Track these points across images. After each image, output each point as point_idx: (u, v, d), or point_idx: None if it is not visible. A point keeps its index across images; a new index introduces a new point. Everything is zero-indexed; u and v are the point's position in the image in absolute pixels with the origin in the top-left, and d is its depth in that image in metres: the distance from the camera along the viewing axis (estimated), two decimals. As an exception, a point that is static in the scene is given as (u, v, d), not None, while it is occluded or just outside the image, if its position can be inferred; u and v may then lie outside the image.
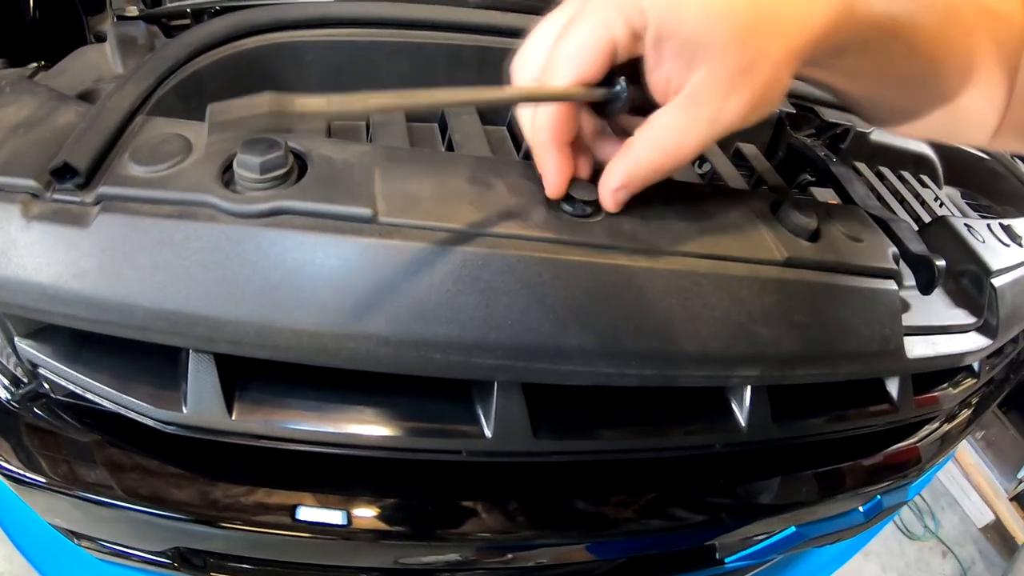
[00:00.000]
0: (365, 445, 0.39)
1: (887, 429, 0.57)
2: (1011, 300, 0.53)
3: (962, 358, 0.50)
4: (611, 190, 0.35)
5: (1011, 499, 1.89)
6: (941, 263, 0.45)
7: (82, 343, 0.39)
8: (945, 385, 0.61)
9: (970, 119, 0.39)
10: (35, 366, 0.41)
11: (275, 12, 0.48)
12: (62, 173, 0.32)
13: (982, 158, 0.80)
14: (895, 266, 0.42)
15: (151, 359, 0.38)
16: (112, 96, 0.37)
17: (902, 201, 0.64)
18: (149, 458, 0.42)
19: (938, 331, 0.49)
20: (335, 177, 0.34)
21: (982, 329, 0.52)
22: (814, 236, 0.41)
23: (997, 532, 1.92)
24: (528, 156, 0.37)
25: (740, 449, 0.48)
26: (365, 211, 0.33)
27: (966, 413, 0.69)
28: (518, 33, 0.35)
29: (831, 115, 0.64)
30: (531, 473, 0.46)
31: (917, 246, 0.46)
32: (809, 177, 0.63)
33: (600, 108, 0.35)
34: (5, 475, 0.44)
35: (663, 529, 0.48)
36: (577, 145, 0.36)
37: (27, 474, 0.43)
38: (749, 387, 0.44)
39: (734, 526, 0.52)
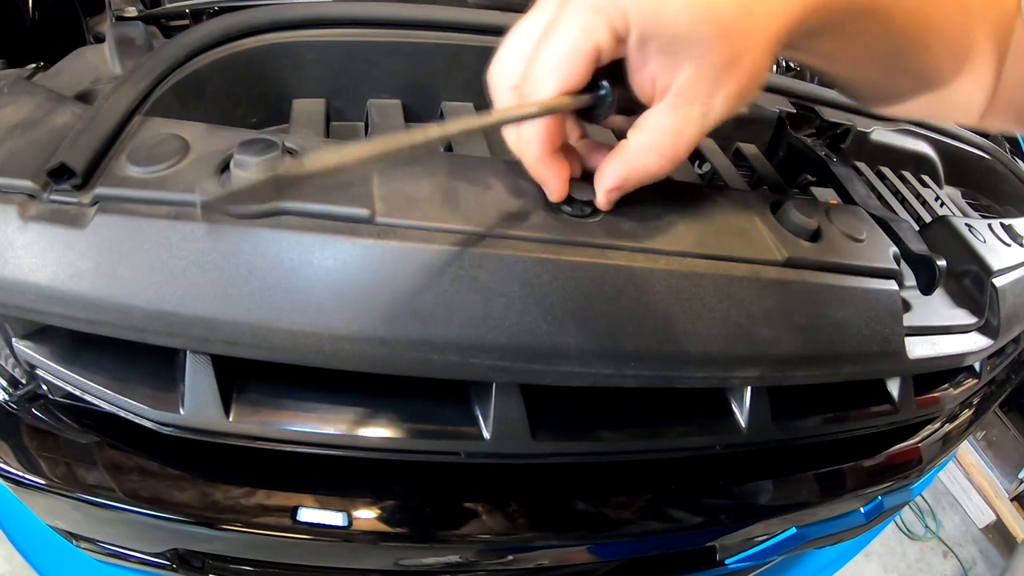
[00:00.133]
0: (363, 447, 0.39)
1: (888, 430, 0.57)
2: (1012, 300, 0.53)
3: (963, 358, 0.50)
4: (605, 190, 0.35)
5: (1012, 499, 1.89)
6: (942, 263, 0.45)
7: (80, 344, 0.39)
8: (946, 385, 0.60)
9: (958, 99, 0.39)
10: (33, 367, 0.41)
11: (273, 12, 0.48)
12: (59, 174, 0.32)
13: (983, 158, 0.80)
14: (896, 266, 0.42)
15: (148, 360, 0.38)
16: (110, 97, 0.37)
17: (903, 201, 0.64)
18: (147, 460, 0.42)
19: (939, 331, 0.49)
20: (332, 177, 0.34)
21: (983, 329, 0.52)
22: (814, 236, 0.41)
23: (998, 532, 1.92)
24: None
25: (740, 450, 0.48)
26: (362, 212, 0.33)
27: (967, 413, 0.69)
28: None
29: (832, 115, 0.64)
30: (530, 475, 0.46)
31: (918, 246, 0.46)
32: (809, 177, 0.63)
33: (585, 113, 0.34)
34: (3, 476, 0.44)
35: (663, 530, 0.48)
36: (564, 147, 0.36)
37: (25, 475, 0.43)
38: (749, 388, 0.44)
39: (735, 527, 0.52)
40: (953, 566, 1.85)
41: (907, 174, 0.69)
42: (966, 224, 0.55)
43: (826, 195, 0.62)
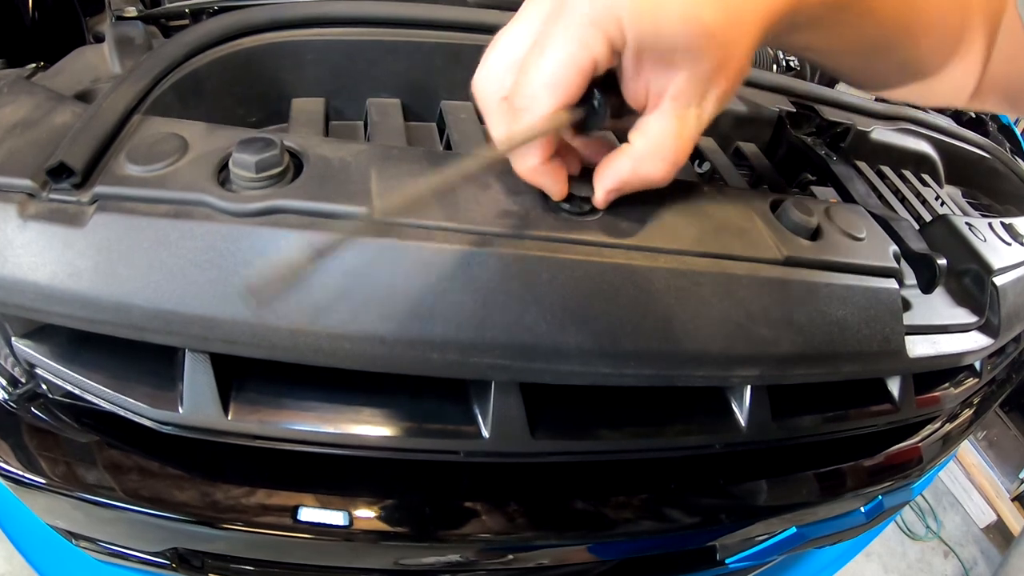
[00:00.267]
0: (362, 445, 0.39)
1: (888, 429, 0.57)
2: (1013, 299, 0.53)
3: (963, 357, 0.50)
4: (605, 190, 0.35)
5: (1013, 499, 1.89)
6: (942, 262, 0.45)
7: (79, 343, 0.39)
8: (947, 385, 0.60)
9: (945, 85, 0.40)
10: (32, 366, 0.41)
11: (272, 11, 0.48)
12: (58, 173, 0.32)
13: (983, 157, 0.79)
14: (896, 265, 0.42)
15: (148, 359, 0.38)
16: (109, 96, 0.37)
17: (903, 200, 0.64)
18: (147, 459, 0.42)
19: (939, 330, 0.49)
20: (331, 176, 0.34)
21: (983, 328, 0.52)
22: (814, 235, 0.41)
23: (999, 532, 1.91)
24: None
25: (740, 449, 0.48)
26: (361, 210, 0.33)
27: (968, 413, 0.69)
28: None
29: (832, 114, 0.64)
30: (530, 474, 0.46)
31: (918, 244, 0.46)
32: (809, 176, 0.63)
33: (578, 125, 0.34)
34: (4, 476, 0.44)
35: (663, 530, 0.48)
36: (559, 148, 0.36)
37: (25, 474, 0.43)
38: (749, 387, 0.44)
39: (735, 527, 0.52)
40: (954, 566, 1.85)
41: (907, 173, 0.69)
42: (966, 223, 0.55)
43: (826, 194, 0.62)
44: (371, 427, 0.38)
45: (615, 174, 0.34)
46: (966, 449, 1.96)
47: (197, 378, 0.36)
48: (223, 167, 0.34)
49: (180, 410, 0.37)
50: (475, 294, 0.33)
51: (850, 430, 0.53)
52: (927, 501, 1.95)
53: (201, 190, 0.32)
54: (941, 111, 0.89)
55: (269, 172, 0.33)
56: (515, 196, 0.36)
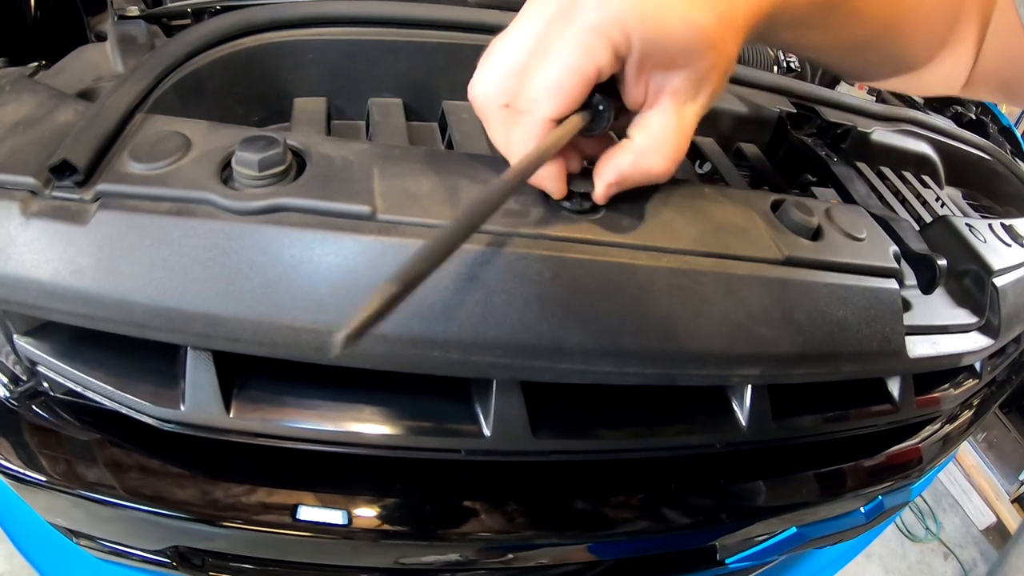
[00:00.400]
0: (364, 444, 0.39)
1: (888, 429, 0.57)
2: (1013, 300, 0.53)
3: (963, 358, 0.50)
4: (606, 184, 0.35)
5: (1013, 501, 1.89)
6: (942, 262, 0.45)
7: (81, 340, 0.39)
8: (946, 385, 0.60)
9: (935, 77, 0.42)
10: (34, 363, 0.41)
11: (274, 11, 0.48)
12: (61, 170, 0.32)
13: (983, 159, 0.80)
14: (896, 265, 0.42)
15: (150, 357, 0.38)
16: (111, 94, 0.37)
17: (903, 201, 0.64)
18: (148, 456, 0.42)
19: (939, 331, 0.49)
20: (334, 174, 0.34)
21: (984, 329, 0.52)
22: (815, 235, 0.41)
23: (999, 534, 1.91)
24: None
25: (741, 449, 0.48)
26: (364, 208, 0.33)
27: (967, 414, 0.69)
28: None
29: (832, 115, 0.64)
30: (531, 472, 0.46)
31: (918, 245, 0.46)
32: (810, 177, 0.63)
33: (583, 128, 0.34)
34: (4, 473, 0.44)
35: (663, 529, 0.48)
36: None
37: (26, 472, 0.43)
38: (749, 386, 0.44)
39: (735, 527, 0.52)
40: (954, 568, 1.85)
41: (908, 174, 0.69)
42: (966, 224, 0.55)
43: (827, 195, 0.62)
44: (373, 425, 0.38)
45: (616, 168, 0.34)
46: (966, 450, 1.96)
47: (199, 376, 0.36)
48: (226, 165, 0.34)
49: (182, 408, 0.37)
50: (477, 293, 0.33)
51: (850, 430, 0.53)
52: (927, 502, 1.95)
53: (204, 188, 0.32)
54: (941, 112, 0.89)
55: (272, 170, 0.33)
56: (516, 195, 0.36)
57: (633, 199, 0.37)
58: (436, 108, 0.54)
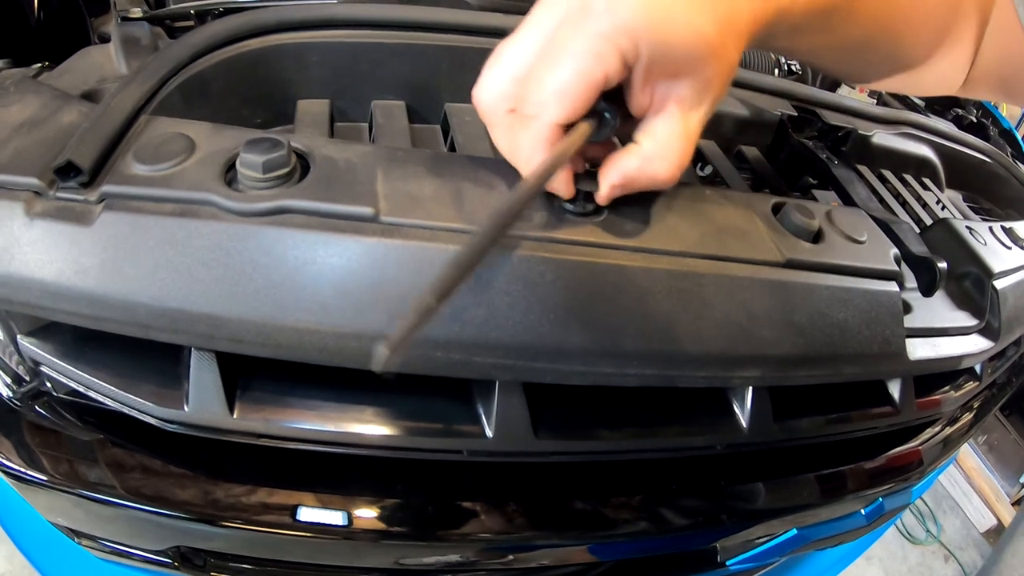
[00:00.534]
0: (366, 444, 0.39)
1: (889, 431, 0.57)
2: (1013, 303, 0.53)
3: (964, 360, 0.50)
4: (610, 185, 0.35)
5: (1013, 503, 1.89)
6: (943, 265, 0.45)
7: (84, 341, 0.39)
8: (947, 388, 0.60)
9: (933, 76, 0.42)
10: (37, 364, 0.41)
11: (278, 13, 0.48)
12: (66, 171, 0.32)
13: (984, 161, 0.80)
14: (897, 268, 0.42)
15: (153, 357, 0.38)
16: (116, 96, 0.37)
17: (904, 203, 0.64)
18: (151, 457, 0.42)
19: (940, 333, 0.49)
20: (337, 177, 0.34)
21: (984, 331, 0.52)
22: (815, 238, 0.41)
23: (999, 536, 1.91)
24: None
25: (741, 450, 0.48)
26: (367, 210, 0.33)
27: (968, 416, 0.69)
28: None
29: (833, 118, 0.64)
30: (532, 473, 0.46)
31: (919, 248, 0.46)
32: (811, 179, 0.63)
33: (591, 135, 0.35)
34: (6, 473, 0.44)
35: (664, 531, 0.48)
36: None
37: (28, 472, 0.43)
38: (750, 388, 0.44)
39: (736, 528, 0.52)
40: (954, 570, 1.84)
41: (908, 177, 0.69)
42: (967, 227, 0.55)
43: (827, 197, 0.62)
44: (376, 426, 0.38)
45: (621, 171, 0.34)
46: (966, 453, 1.96)
47: (203, 376, 0.36)
48: (230, 167, 0.34)
49: (185, 408, 0.37)
50: (479, 294, 0.33)
51: (851, 432, 0.53)
52: (927, 505, 1.95)
53: (208, 190, 0.32)
54: (942, 115, 0.89)
55: (276, 172, 0.33)
56: None
57: (635, 202, 0.37)
58: (438, 110, 0.54)
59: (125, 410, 0.39)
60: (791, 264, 0.39)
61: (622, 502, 0.47)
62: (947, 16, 0.39)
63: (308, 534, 0.42)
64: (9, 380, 0.44)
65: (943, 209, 0.69)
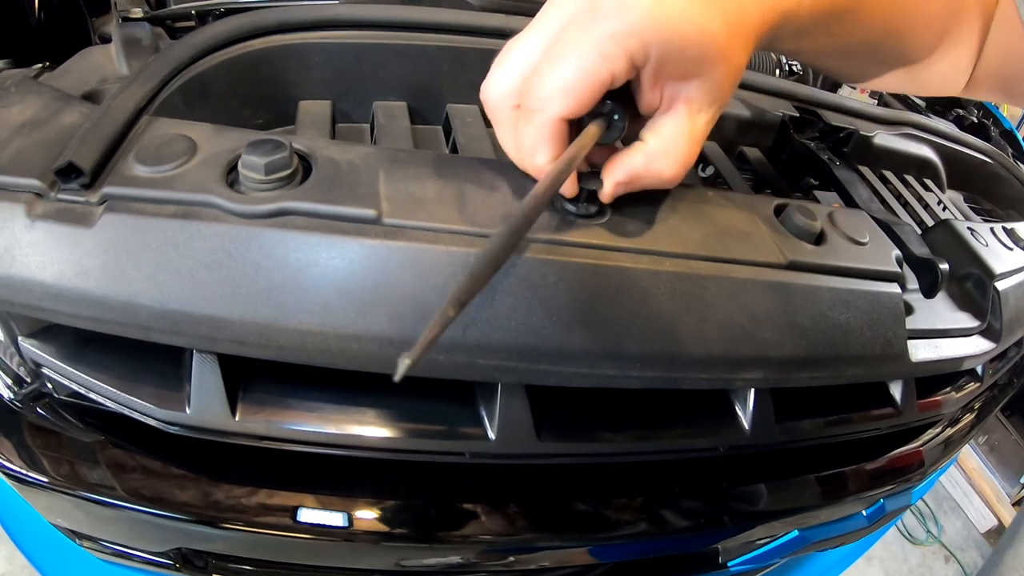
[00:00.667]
0: (368, 447, 0.39)
1: (890, 433, 0.57)
2: (1014, 304, 0.53)
3: (965, 361, 0.50)
4: (614, 182, 0.35)
5: (1014, 504, 1.89)
6: (944, 266, 0.45)
7: (86, 343, 0.39)
8: (948, 389, 0.60)
9: (934, 76, 0.42)
10: (38, 366, 0.41)
11: (280, 14, 0.48)
12: (67, 173, 0.32)
13: (985, 162, 0.80)
14: (898, 269, 0.42)
15: (155, 359, 0.38)
16: (117, 97, 0.37)
17: (905, 205, 0.64)
18: (152, 458, 0.42)
19: (941, 335, 0.49)
20: (339, 178, 0.34)
21: (985, 333, 0.52)
22: (817, 239, 0.41)
23: (1000, 537, 1.91)
24: None
25: (743, 452, 0.48)
26: (369, 212, 0.33)
27: (969, 417, 0.69)
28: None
29: (835, 119, 0.64)
30: (534, 475, 0.46)
31: (920, 249, 0.46)
32: (812, 181, 0.63)
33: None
34: (7, 474, 0.44)
35: (666, 532, 0.48)
36: None
37: (29, 474, 0.43)
38: (752, 390, 0.44)
39: (737, 530, 0.52)
40: (955, 571, 1.84)
41: (910, 178, 0.69)
42: (968, 228, 0.55)
43: (829, 199, 0.62)
44: (378, 428, 0.38)
45: (626, 168, 0.34)
46: (967, 453, 1.96)
47: (205, 378, 0.36)
48: (232, 168, 0.34)
49: (187, 410, 0.37)
50: (482, 296, 0.33)
51: (852, 434, 0.53)
52: (928, 506, 1.95)
53: (210, 191, 0.32)
54: (943, 116, 0.89)
55: (278, 174, 0.33)
56: (522, 198, 0.36)
57: (637, 203, 0.37)
58: (440, 111, 0.54)
59: (126, 412, 0.39)
60: (793, 266, 0.39)
61: (624, 504, 0.47)
62: (951, 17, 0.39)
63: (310, 536, 0.42)
64: (10, 381, 0.44)
65: (944, 210, 0.69)
